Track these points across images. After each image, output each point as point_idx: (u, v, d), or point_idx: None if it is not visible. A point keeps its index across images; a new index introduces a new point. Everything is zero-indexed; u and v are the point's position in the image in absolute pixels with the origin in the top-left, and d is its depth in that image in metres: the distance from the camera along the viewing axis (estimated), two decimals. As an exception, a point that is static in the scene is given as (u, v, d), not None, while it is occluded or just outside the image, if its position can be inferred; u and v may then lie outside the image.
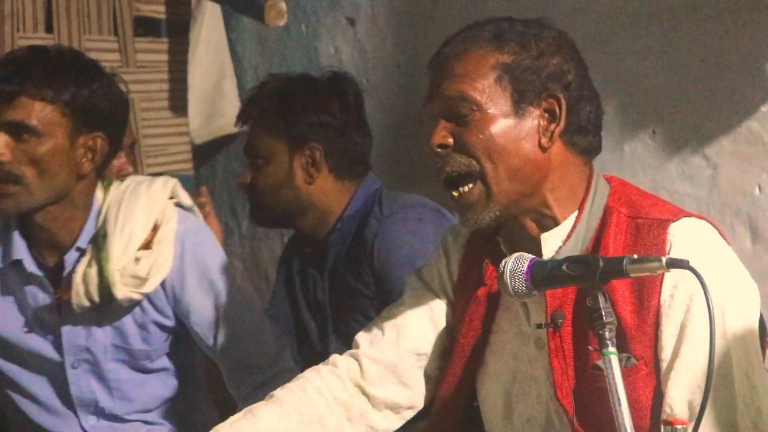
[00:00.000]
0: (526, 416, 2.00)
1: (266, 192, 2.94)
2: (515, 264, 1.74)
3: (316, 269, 3.01)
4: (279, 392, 2.06)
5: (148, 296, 2.53)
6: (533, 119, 1.89)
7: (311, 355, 3.08)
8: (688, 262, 1.60)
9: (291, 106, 2.90)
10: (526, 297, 1.75)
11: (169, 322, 2.59)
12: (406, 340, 2.10)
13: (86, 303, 2.49)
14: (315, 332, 3.06)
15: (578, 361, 1.90)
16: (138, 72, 4.06)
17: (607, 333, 1.63)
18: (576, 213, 1.93)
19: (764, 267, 2.71)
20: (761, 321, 1.93)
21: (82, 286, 2.47)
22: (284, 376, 2.46)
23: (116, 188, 2.55)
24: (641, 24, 2.91)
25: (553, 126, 1.90)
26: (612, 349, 1.62)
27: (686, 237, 1.84)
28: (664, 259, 1.61)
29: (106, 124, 2.48)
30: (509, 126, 1.89)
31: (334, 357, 2.14)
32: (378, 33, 3.65)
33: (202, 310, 2.55)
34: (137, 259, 2.48)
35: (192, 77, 4.10)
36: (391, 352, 2.10)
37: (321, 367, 2.13)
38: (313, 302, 3.05)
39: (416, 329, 2.11)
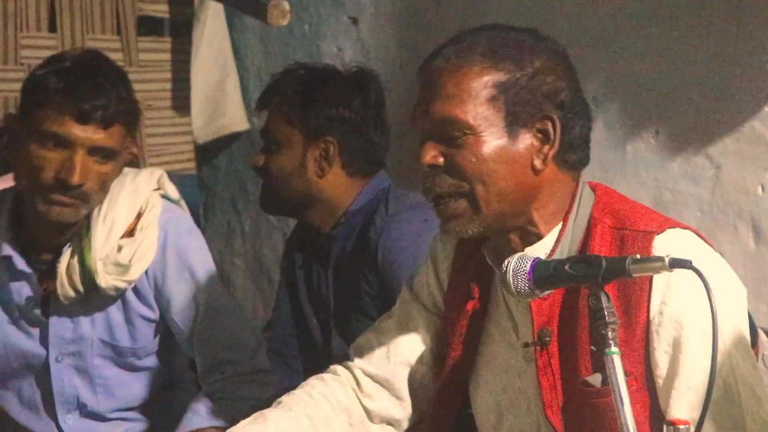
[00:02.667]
0: (517, 428, 1.98)
1: (276, 178, 2.93)
2: (518, 264, 1.72)
3: (320, 264, 3.01)
4: (286, 398, 2.07)
5: (134, 288, 2.54)
6: (526, 140, 1.85)
7: (313, 352, 3.07)
8: (690, 262, 1.60)
9: (311, 97, 2.89)
10: (529, 297, 1.74)
11: (154, 315, 2.59)
12: (396, 353, 2.11)
13: (71, 293, 2.50)
14: (317, 328, 3.05)
15: (566, 377, 1.88)
16: (141, 71, 4.06)
17: (609, 333, 1.62)
18: (560, 225, 1.91)
19: (767, 266, 2.71)
20: (751, 323, 1.92)
21: (66, 277, 2.49)
22: (259, 376, 2.53)
23: None
24: (644, 24, 2.91)
25: (546, 148, 1.86)
26: (615, 348, 1.62)
27: (671, 249, 1.79)
28: (667, 259, 1.61)
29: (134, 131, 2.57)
30: (502, 148, 1.84)
31: (335, 366, 2.16)
32: (381, 33, 3.65)
33: (181, 299, 2.56)
34: (120, 247, 2.49)
35: (195, 76, 4.10)
36: (383, 366, 2.11)
37: (323, 375, 2.15)
38: (317, 298, 3.04)
39: (406, 342, 2.11)
